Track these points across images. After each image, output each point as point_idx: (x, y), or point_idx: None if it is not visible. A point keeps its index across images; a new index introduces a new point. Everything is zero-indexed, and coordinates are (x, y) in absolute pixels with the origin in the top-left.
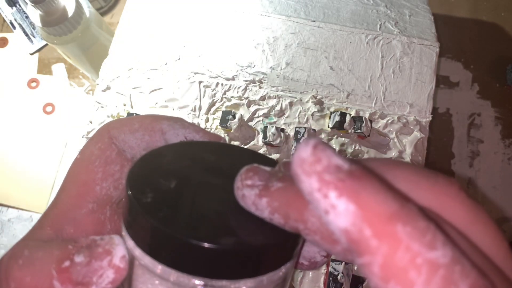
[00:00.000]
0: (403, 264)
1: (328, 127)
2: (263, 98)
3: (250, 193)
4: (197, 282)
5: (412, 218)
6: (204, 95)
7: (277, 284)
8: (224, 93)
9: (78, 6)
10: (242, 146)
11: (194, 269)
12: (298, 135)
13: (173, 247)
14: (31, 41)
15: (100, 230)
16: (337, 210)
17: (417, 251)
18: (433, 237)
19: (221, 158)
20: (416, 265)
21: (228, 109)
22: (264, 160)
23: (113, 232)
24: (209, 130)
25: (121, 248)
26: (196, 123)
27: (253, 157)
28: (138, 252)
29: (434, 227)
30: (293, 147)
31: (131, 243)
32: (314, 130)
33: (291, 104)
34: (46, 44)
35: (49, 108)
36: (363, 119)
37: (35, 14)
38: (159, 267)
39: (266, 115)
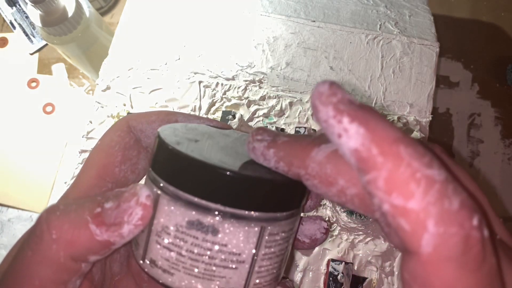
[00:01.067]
0: (404, 178)
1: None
2: (263, 98)
3: (259, 145)
4: (218, 210)
5: (413, 143)
6: (204, 95)
7: (284, 231)
8: (224, 93)
9: (78, 6)
10: None
11: (216, 198)
12: None
13: (198, 175)
14: (31, 41)
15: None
16: (349, 133)
17: (417, 168)
18: (431, 159)
19: (234, 138)
20: (416, 179)
21: (228, 109)
22: None
23: None
24: None
25: (145, 189)
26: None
27: None
28: (163, 185)
29: (431, 153)
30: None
31: (156, 179)
32: (314, 130)
33: (291, 104)
34: (46, 44)
35: (49, 108)
36: None
37: (35, 14)
38: (184, 197)
39: (266, 115)
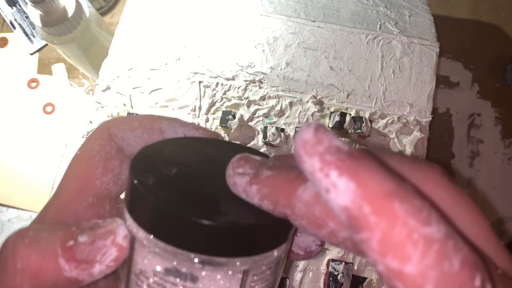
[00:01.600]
0: (400, 239)
1: (328, 127)
2: (263, 98)
3: (241, 180)
4: (196, 259)
5: (409, 196)
6: (204, 95)
7: (270, 268)
8: (224, 93)
9: (78, 6)
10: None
11: (193, 246)
12: None
13: (174, 224)
14: (31, 41)
15: None
16: (337, 188)
17: (414, 227)
18: (428, 214)
19: (218, 152)
20: (413, 240)
21: (228, 109)
22: (259, 155)
23: None
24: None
25: (123, 228)
26: (196, 123)
27: (249, 151)
28: (139, 231)
29: (428, 205)
30: (293, 147)
31: (132, 224)
32: None
33: (291, 104)
34: (46, 44)
35: (49, 108)
36: (363, 119)
37: (35, 14)
38: (159, 245)
39: (266, 115)
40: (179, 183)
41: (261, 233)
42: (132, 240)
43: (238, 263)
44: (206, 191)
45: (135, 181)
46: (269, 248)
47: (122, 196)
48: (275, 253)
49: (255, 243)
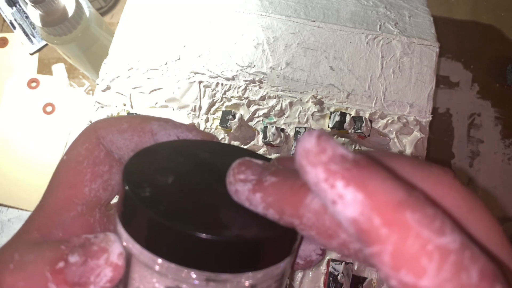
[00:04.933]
0: (414, 252)
1: (328, 127)
2: (263, 98)
3: (243, 188)
4: (199, 276)
5: (420, 205)
6: (204, 95)
7: (276, 280)
8: (224, 93)
9: (78, 6)
10: (238, 145)
11: (195, 263)
12: (298, 135)
13: (174, 240)
14: (31, 41)
15: (90, 233)
16: (344, 200)
17: (427, 238)
18: (442, 223)
19: (215, 155)
20: (427, 252)
21: (228, 109)
22: (258, 158)
23: None
24: (208, 130)
25: (118, 245)
26: (196, 123)
27: (247, 154)
28: (136, 248)
29: (441, 214)
30: (293, 147)
31: (128, 239)
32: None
33: (291, 104)
34: (46, 44)
35: (49, 108)
36: (363, 119)
37: (35, 14)
38: (159, 262)
39: (266, 115)
40: (177, 193)
41: (268, 246)
42: (128, 256)
43: (244, 279)
44: (205, 200)
45: (131, 194)
46: (276, 261)
47: (114, 200)
48: (282, 265)
49: (262, 257)
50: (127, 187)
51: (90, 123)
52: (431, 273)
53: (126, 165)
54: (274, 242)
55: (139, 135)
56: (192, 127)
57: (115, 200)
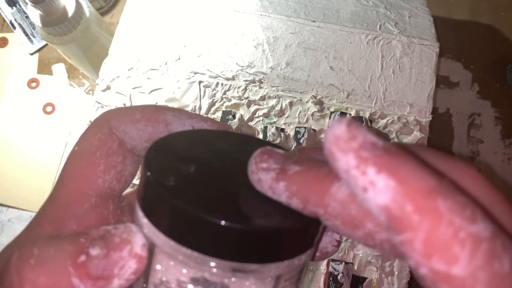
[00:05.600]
0: (446, 239)
1: (328, 127)
2: (263, 98)
3: (266, 177)
4: (225, 266)
5: (451, 193)
6: (204, 95)
7: (299, 271)
8: (224, 93)
9: (78, 6)
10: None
11: (222, 253)
12: (298, 135)
13: (201, 229)
14: (31, 41)
15: (104, 225)
16: (376, 186)
17: (460, 225)
18: (473, 211)
19: (232, 145)
20: (460, 239)
21: (228, 109)
22: (276, 147)
23: None
24: None
25: (140, 235)
26: (203, 115)
27: (263, 143)
28: (160, 238)
29: (472, 202)
30: (293, 147)
31: (151, 229)
32: (314, 130)
33: (291, 104)
34: (46, 44)
35: (49, 108)
36: (363, 119)
37: (35, 14)
38: (184, 252)
39: (266, 115)
40: (201, 182)
41: (294, 237)
42: (151, 247)
43: (271, 269)
44: (228, 189)
45: (155, 183)
46: (301, 251)
47: (127, 191)
48: (305, 256)
49: (288, 247)
50: (151, 176)
51: (101, 114)
52: (463, 260)
53: (146, 155)
54: (300, 233)
55: (152, 125)
56: (207, 118)
57: (127, 190)
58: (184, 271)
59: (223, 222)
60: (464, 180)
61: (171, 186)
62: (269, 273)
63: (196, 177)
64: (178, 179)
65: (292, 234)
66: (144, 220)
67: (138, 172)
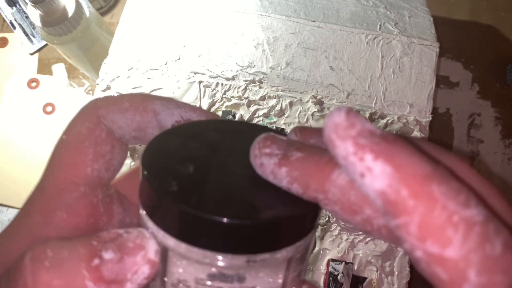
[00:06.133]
0: (440, 223)
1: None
2: (263, 98)
3: (269, 162)
4: (239, 260)
5: (446, 179)
6: (204, 95)
7: (307, 251)
8: (224, 93)
9: (78, 6)
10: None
11: (235, 248)
12: None
13: (213, 230)
14: (31, 41)
15: (93, 213)
16: (373, 172)
17: (453, 210)
18: (467, 197)
19: (224, 135)
20: (453, 223)
21: (228, 109)
22: (268, 131)
23: (106, 214)
24: None
25: (153, 242)
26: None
27: (253, 128)
28: (172, 241)
29: (466, 188)
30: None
31: (164, 235)
32: None
33: (291, 104)
34: (46, 44)
35: (49, 108)
36: None
37: (35, 14)
38: (198, 252)
39: (266, 115)
40: (202, 181)
41: (300, 221)
42: (164, 250)
43: (282, 254)
44: (229, 184)
45: (160, 191)
46: (306, 233)
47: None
48: (311, 235)
49: (295, 232)
50: (154, 184)
51: (88, 102)
52: (456, 243)
53: (142, 160)
54: (304, 218)
55: (141, 114)
56: (195, 107)
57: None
58: (200, 269)
59: (231, 221)
60: (458, 172)
61: (175, 192)
62: (281, 257)
63: (197, 176)
64: (180, 182)
65: (297, 220)
66: (153, 226)
67: (130, 163)
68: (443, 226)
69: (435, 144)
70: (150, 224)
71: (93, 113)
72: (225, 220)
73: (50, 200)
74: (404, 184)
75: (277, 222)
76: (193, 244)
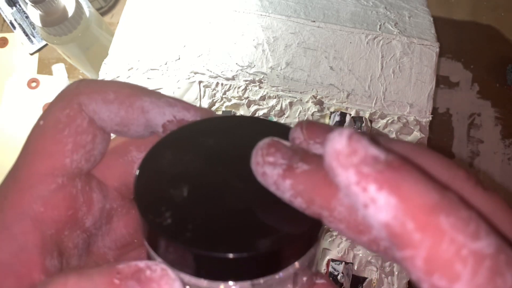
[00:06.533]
0: (448, 257)
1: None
2: (263, 98)
3: (272, 172)
4: (245, 285)
5: (454, 208)
6: (204, 95)
7: (312, 260)
8: (224, 93)
9: (78, 6)
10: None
11: (241, 276)
12: None
13: (215, 263)
14: (31, 41)
15: (72, 205)
16: (377, 203)
17: (462, 243)
18: (477, 227)
19: (219, 139)
20: (462, 257)
21: (228, 109)
22: (274, 127)
23: (85, 204)
24: None
25: (179, 283)
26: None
27: (258, 126)
28: (180, 275)
29: (476, 216)
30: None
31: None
32: None
33: (291, 104)
34: (46, 44)
35: None
36: (363, 119)
37: (35, 14)
38: (206, 283)
39: (266, 115)
40: (197, 207)
41: (305, 238)
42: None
43: (290, 270)
44: (227, 204)
45: (154, 226)
46: (309, 246)
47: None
48: (315, 247)
49: (298, 250)
50: (147, 218)
51: (68, 86)
52: (465, 278)
53: (135, 187)
54: (307, 235)
55: (126, 110)
56: (189, 105)
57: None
58: None
59: (229, 255)
60: (465, 191)
61: (169, 226)
62: (287, 274)
63: (191, 201)
64: (174, 212)
65: (299, 240)
66: (157, 257)
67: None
68: (451, 261)
69: (440, 156)
70: (155, 256)
71: (74, 99)
72: (221, 255)
73: (24, 193)
74: (410, 216)
75: (278, 249)
76: (197, 276)
